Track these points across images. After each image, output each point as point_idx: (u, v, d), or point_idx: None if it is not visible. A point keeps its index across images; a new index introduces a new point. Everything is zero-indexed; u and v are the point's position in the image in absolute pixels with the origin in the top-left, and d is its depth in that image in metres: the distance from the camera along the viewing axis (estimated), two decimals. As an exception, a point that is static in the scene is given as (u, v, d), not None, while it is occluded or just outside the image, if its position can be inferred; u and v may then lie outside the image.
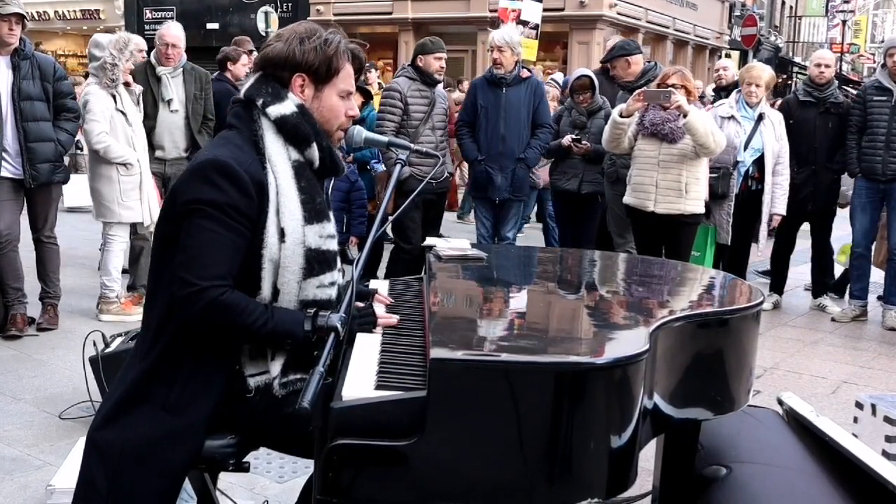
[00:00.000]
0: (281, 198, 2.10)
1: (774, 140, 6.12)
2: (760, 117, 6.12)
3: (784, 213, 6.21)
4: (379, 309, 2.33)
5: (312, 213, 2.14)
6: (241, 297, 2.04)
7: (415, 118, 5.93)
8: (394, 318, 2.28)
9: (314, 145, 2.17)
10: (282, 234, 2.09)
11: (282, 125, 2.14)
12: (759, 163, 6.11)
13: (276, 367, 2.13)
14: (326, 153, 2.20)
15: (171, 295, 2.03)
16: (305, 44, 2.16)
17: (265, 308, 2.06)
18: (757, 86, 6.14)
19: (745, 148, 6.07)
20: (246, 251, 2.06)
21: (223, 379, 2.11)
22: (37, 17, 26.95)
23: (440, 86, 6.30)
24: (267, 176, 2.10)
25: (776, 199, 6.16)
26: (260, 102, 2.15)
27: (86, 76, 13.73)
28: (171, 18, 25.48)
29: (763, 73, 6.30)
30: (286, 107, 2.15)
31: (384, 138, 2.49)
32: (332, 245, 2.20)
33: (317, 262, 2.15)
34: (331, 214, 2.24)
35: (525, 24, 11.10)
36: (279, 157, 2.13)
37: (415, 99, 5.94)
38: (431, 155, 2.62)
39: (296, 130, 2.14)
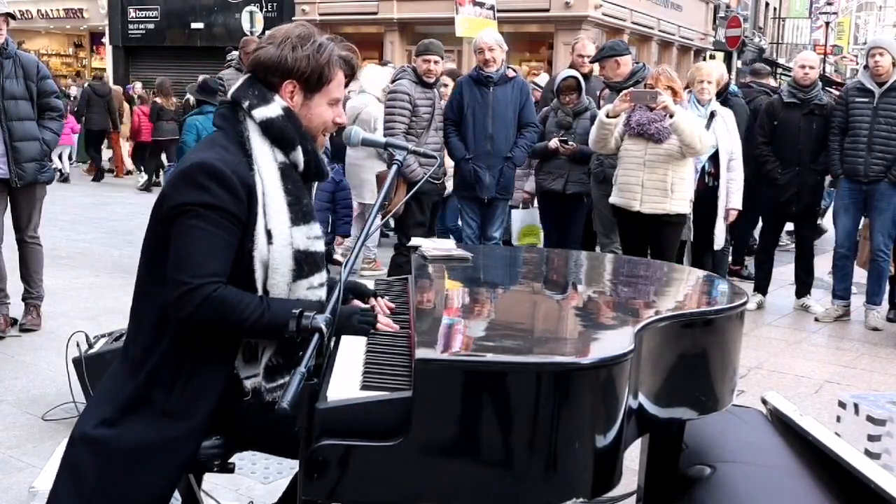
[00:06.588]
0: (267, 199, 2.09)
1: (727, 136, 6.13)
2: (712, 115, 6.11)
3: (739, 207, 6.16)
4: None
5: (299, 215, 2.13)
6: (236, 291, 2.02)
7: (423, 119, 5.92)
8: (395, 326, 2.25)
9: (299, 149, 2.15)
10: (269, 235, 2.08)
11: (267, 128, 2.12)
12: (715, 159, 6.06)
13: (261, 369, 2.11)
14: (311, 157, 2.19)
15: (165, 299, 2.01)
16: (298, 51, 2.13)
17: (261, 300, 2.05)
18: (709, 83, 6.11)
19: None
20: (238, 254, 2.05)
21: (222, 382, 2.10)
22: (20, 16, 26.77)
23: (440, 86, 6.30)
24: (254, 177, 2.08)
25: (731, 194, 6.12)
26: (246, 105, 2.14)
27: (78, 74, 13.51)
28: (156, 18, 25.40)
29: (713, 70, 6.32)
30: (272, 110, 2.13)
31: (382, 139, 2.46)
32: (319, 246, 2.19)
33: (306, 263, 2.13)
34: (316, 216, 2.23)
35: (481, 5, 11.24)
36: (265, 159, 2.12)
37: (420, 100, 5.93)
38: (429, 156, 2.60)
39: (281, 134, 2.13)
